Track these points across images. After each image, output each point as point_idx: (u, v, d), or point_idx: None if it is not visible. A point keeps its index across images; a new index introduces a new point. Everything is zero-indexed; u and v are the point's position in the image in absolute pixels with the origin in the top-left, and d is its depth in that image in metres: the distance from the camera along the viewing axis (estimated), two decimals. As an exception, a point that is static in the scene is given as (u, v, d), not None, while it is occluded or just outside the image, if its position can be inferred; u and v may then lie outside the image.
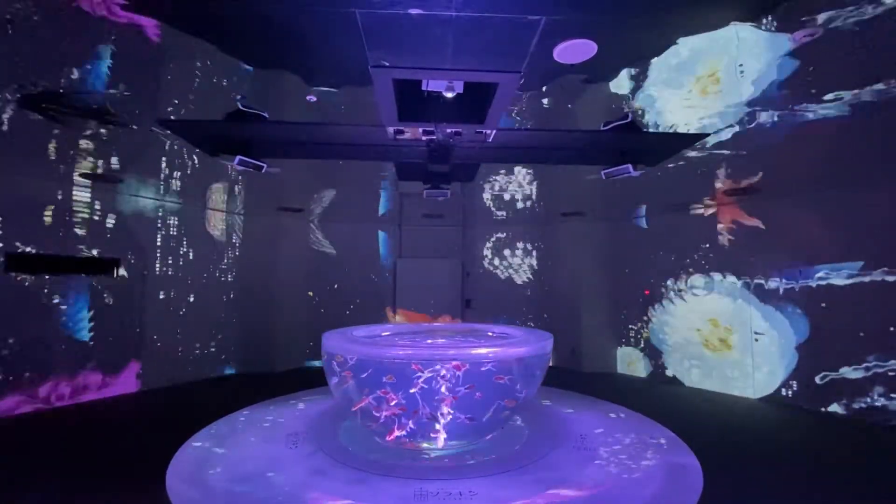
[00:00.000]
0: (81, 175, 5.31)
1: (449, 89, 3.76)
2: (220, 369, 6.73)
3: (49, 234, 5.09)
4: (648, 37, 5.75)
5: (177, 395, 5.71)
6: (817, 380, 5.07)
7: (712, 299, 6.24)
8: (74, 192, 5.29)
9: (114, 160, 5.60)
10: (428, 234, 8.53)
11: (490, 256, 8.29)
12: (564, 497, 2.95)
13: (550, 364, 4.01)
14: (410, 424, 3.43)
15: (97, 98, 5.49)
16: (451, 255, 8.51)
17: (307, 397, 5.36)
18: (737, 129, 5.38)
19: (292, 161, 7.09)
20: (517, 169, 8.21)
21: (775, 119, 5.04)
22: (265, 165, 5.37)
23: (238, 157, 5.07)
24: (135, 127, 5.80)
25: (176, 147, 6.28)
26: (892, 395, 4.52)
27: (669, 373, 6.62)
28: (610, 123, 4.90)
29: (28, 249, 4.91)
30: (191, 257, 6.47)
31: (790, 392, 5.35)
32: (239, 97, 5.73)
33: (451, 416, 3.39)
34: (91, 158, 5.39)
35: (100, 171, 5.46)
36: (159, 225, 6.11)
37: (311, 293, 7.60)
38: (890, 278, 4.61)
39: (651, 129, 6.11)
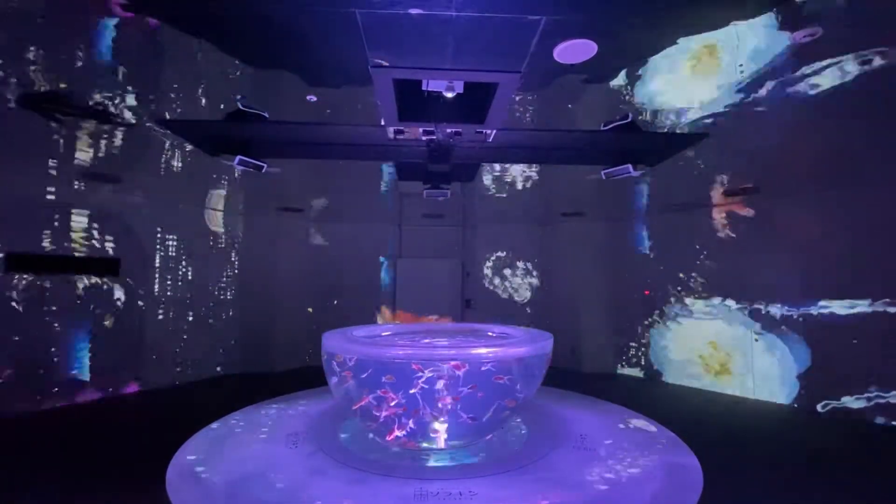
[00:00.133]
0: (81, 175, 5.31)
1: (449, 89, 3.76)
2: (220, 369, 6.73)
3: (49, 233, 5.08)
4: (648, 37, 5.76)
5: (177, 395, 5.71)
6: (819, 408, 5.02)
7: (712, 323, 6.12)
8: (74, 192, 5.28)
9: (113, 160, 5.61)
10: (428, 234, 8.53)
11: (490, 276, 8.18)
12: (564, 497, 2.95)
13: (550, 364, 4.00)
14: (411, 424, 3.43)
15: (97, 98, 5.49)
16: (451, 255, 8.52)
17: (307, 397, 5.35)
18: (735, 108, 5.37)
19: (292, 161, 7.10)
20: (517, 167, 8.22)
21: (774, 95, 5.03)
22: (265, 165, 5.37)
23: (238, 157, 5.08)
24: (135, 126, 5.81)
25: (176, 147, 6.29)
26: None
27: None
28: (610, 123, 4.91)
29: (28, 250, 4.91)
30: (191, 257, 6.47)
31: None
32: (239, 97, 5.73)
33: (450, 416, 3.38)
34: (90, 158, 5.40)
35: (99, 171, 5.45)
36: (159, 226, 6.11)
37: (310, 309, 7.59)
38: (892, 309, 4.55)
39: (646, 106, 6.14)
